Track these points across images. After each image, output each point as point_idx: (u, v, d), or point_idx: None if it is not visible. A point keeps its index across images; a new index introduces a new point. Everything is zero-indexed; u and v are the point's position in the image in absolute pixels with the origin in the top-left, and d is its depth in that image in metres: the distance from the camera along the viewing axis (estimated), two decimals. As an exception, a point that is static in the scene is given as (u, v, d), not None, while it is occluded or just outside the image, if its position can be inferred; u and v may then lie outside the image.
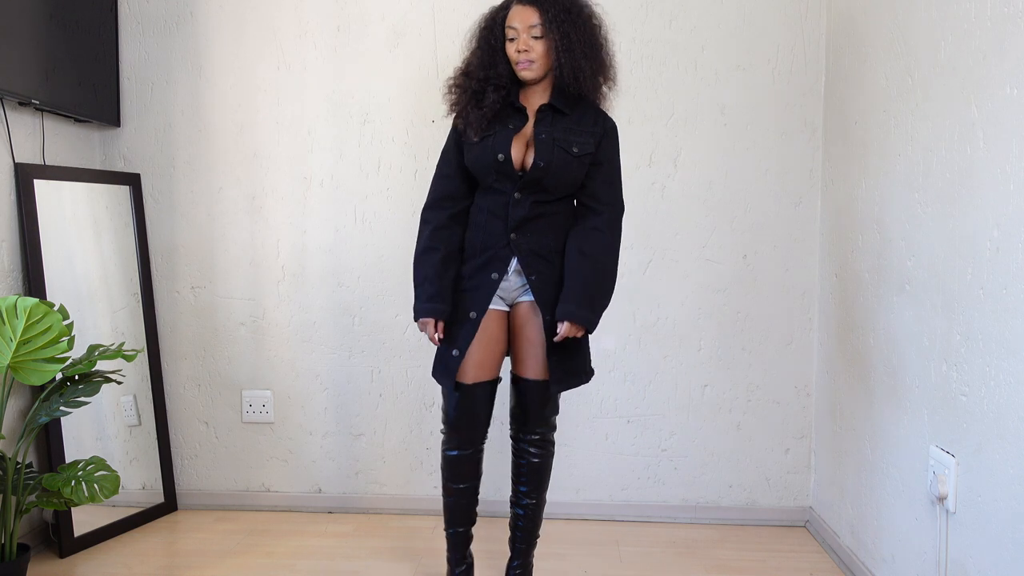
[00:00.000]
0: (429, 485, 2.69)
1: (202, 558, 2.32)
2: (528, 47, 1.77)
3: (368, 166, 2.63)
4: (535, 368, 1.87)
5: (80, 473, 2.08)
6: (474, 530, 2.07)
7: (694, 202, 2.56)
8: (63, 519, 2.32)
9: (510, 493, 2.02)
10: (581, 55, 1.77)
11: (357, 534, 2.52)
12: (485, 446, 1.98)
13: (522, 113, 1.86)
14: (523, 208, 1.83)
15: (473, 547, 2.10)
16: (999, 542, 1.51)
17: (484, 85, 1.83)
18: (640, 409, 2.62)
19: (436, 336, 1.84)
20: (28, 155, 2.35)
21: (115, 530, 2.48)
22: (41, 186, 2.33)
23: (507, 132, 1.82)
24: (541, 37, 1.77)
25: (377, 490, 2.71)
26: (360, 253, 2.65)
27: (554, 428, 1.98)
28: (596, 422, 2.63)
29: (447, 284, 1.84)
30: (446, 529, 2.01)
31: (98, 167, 2.68)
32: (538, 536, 2.04)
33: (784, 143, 2.52)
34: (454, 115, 1.91)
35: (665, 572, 2.25)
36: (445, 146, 1.94)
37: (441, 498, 2.01)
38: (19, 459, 2.09)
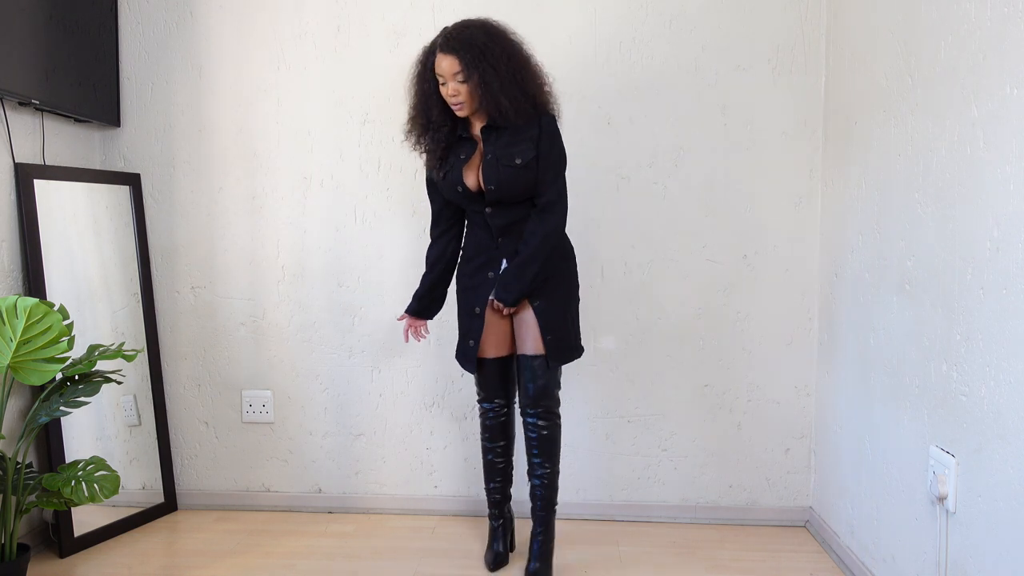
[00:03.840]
0: (429, 485, 2.69)
1: (202, 558, 2.32)
2: (456, 91, 1.96)
3: (368, 166, 2.63)
4: (532, 346, 2.11)
5: (80, 473, 2.08)
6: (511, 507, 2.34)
7: (694, 202, 2.56)
8: (63, 519, 2.32)
9: (526, 467, 2.20)
10: (499, 91, 1.92)
11: (357, 534, 2.52)
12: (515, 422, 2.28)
13: (470, 141, 2.06)
14: (500, 218, 2.07)
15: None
16: (999, 542, 1.51)
17: (425, 129, 2.05)
18: (640, 409, 2.62)
19: (407, 331, 2.29)
20: (28, 155, 2.35)
21: (115, 530, 2.48)
22: (41, 186, 2.34)
23: (459, 162, 2.05)
24: (465, 81, 1.94)
25: (377, 490, 2.71)
26: (360, 253, 2.65)
27: (558, 402, 2.17)
28: (596, 422, 2.63)
29: (430, 289, 2.24)
30: (486, 486, 2.30)
31: (98, 167, 2.68)
32: (556, 503, 2.21)
33: (784, 143, 2.52)
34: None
35: (665, 572, 2.25)
36: (425, 177, 2.19)
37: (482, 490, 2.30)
38: (19, 459, 2.09)
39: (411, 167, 2.61)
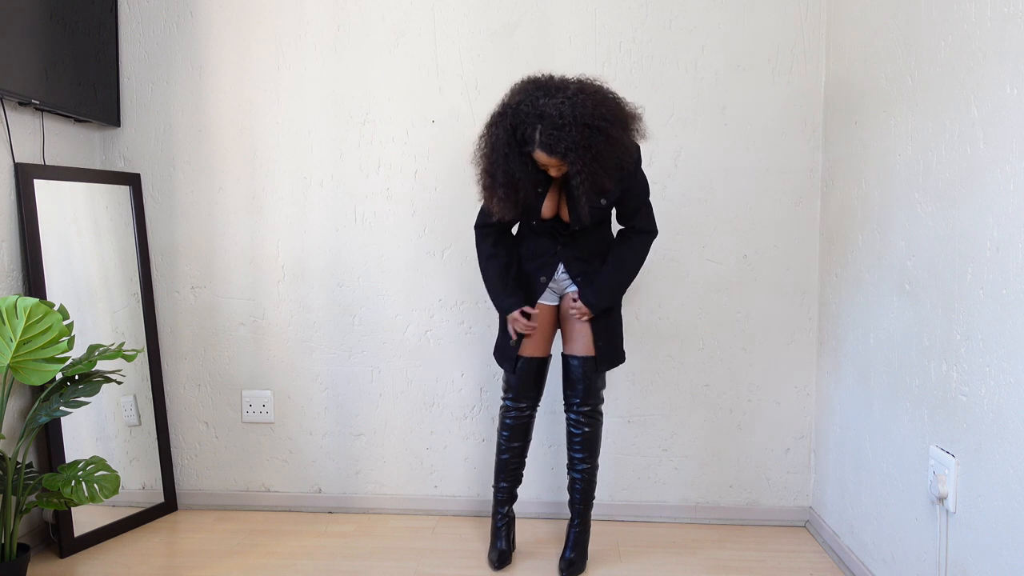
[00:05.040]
0: (429, 485, 2.69)
1: (202, 558, 2.32)
2: (560, 172, 1.98)
3: (368, 166, 2.63)
4: (581, 347, 2.18)
5: (80, 473, 2.08)
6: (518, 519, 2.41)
7: (694, 202, 2.56)
8: (63, 519, 2.32)
9: (566, 460, 2.27)
10: (603, 177, 1.92)
11: (357, 534, 2.52)
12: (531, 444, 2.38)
13: (547, 175, 2.02)
14: (569, 234, 2.13)
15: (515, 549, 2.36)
16: (999, 542, 1.51)
17: (519, 189, 1.97)
18: (641, 409, 2.62)
19: (521, 323, 2.15)
20: (28, 155, 2.35)
21: (115, 530, 2.48)
22: (41, 186, 2.34)
23: (537, 197, 2.04)
24: (569, 166, 1.93)
25: (377, 490, 2.71)
26: (360, 253, 2.65)
27: (602, 400, 2.25)
28: (596, 422, 2.63)
29: (514, 281, 2.18)
30: (495, 484, 2.31)
31: (98, 167, 2.68)
32: (594, 496, 2.28)
33: (784, 143, 2.52)
34: (486, 204, 2.06)
35: (665, 572, 2.25)
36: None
37: (493, 467, 2.32)
38: (19, 459, 2.09)
39: (411, 167, 2.61)
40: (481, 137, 2.00)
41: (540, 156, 1.92)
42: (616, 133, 1.90)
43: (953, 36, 1.69)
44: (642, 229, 2.15)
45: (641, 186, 2.11)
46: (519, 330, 2.15)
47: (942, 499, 1.70)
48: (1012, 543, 1.47)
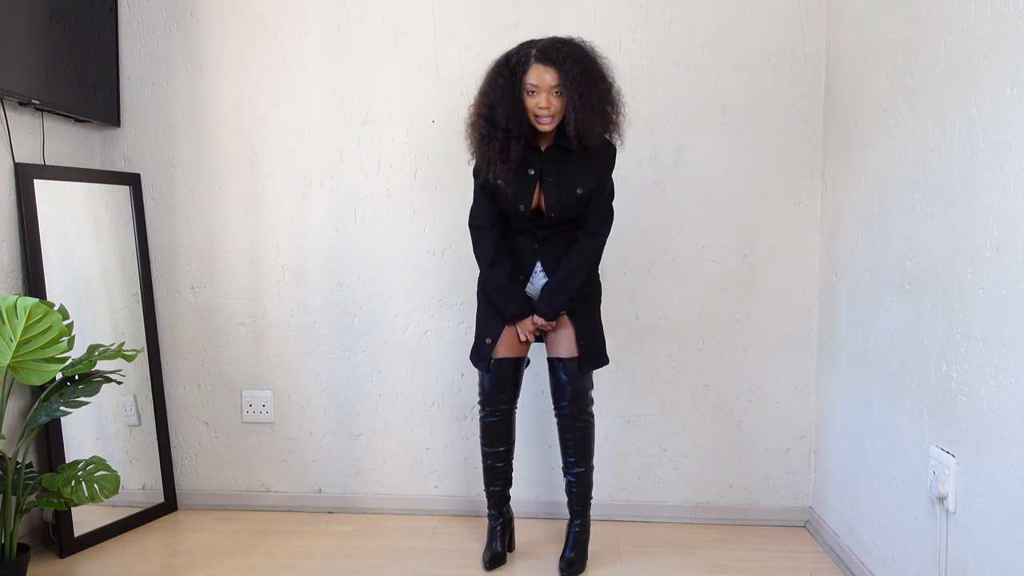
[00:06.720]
0: (429, 485, 2.69)
1: (202, 558, 2.32)
2: (549, 103, 1.95)
3: (368, 166, 2.63)
4: (566, 348, 2.17)
5: (80, 473, 2.08)
6: (513, 510, 2.38)
7: (694, 202, 2.56)
8: (63, 519, 2.32)
9: (561, 464, 2.25)
10: (591, 111, 1.94)
11: (357, 534, 2.52)
12: (517, 435, 2.33)
13: (538, 153, 2.06)
14: (546, 230, 2.13)
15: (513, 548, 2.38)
16: (999, 542, 1.51)
17: (508, 136, 1.98)
18: (640, 409, 2.62)
19: (529, 328, 2.15)
20: (28, 155, 2.35)
21: (115, 530, 2.48)
22: (41, 186, 2.34)
23: (528, 180, 2.05)
24: (560, 95, 1.94)
25: (377, 490, 2.71)
26: (360, 253, 2.65)
27: (592, 402, 2.23)
28: (596, 422, 2.62)
29: (521, 288, 2.16)
30: (486, 488, 2.30)
31: (98, 167, 2.68)
32: (592, 497, 2.27)
33: (784, 143, 2.52)
34: (476, 161, 2.08)
35: (665, 572, 2.25)
36: (476, 190, 2.14)
37: (480, 466, 2.34)
38: (19, 459, 2.09)
39: (411, 167, 2.61)
40: (471, 105, 2.05)
41: (534, 73, 1.93)
42: (604, 74, 1.98)
43: (953, 36, 1.69)
44: (594, 230, 2.13)
45: (609, 187, 2.14)
46: (528, 335, 2.16)
47: (942, 499, 1.70)
48: (1012, 543, 1.47)
